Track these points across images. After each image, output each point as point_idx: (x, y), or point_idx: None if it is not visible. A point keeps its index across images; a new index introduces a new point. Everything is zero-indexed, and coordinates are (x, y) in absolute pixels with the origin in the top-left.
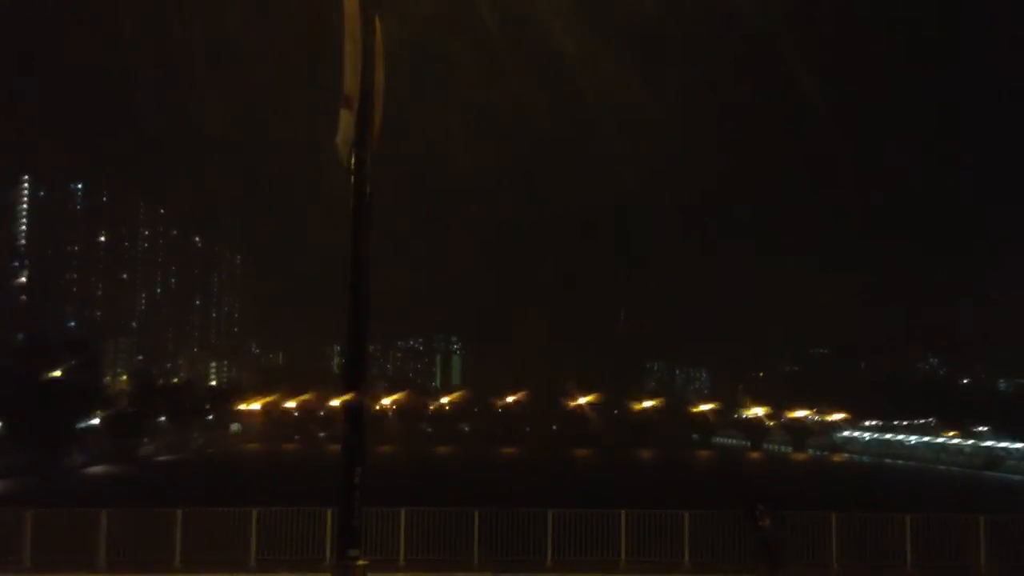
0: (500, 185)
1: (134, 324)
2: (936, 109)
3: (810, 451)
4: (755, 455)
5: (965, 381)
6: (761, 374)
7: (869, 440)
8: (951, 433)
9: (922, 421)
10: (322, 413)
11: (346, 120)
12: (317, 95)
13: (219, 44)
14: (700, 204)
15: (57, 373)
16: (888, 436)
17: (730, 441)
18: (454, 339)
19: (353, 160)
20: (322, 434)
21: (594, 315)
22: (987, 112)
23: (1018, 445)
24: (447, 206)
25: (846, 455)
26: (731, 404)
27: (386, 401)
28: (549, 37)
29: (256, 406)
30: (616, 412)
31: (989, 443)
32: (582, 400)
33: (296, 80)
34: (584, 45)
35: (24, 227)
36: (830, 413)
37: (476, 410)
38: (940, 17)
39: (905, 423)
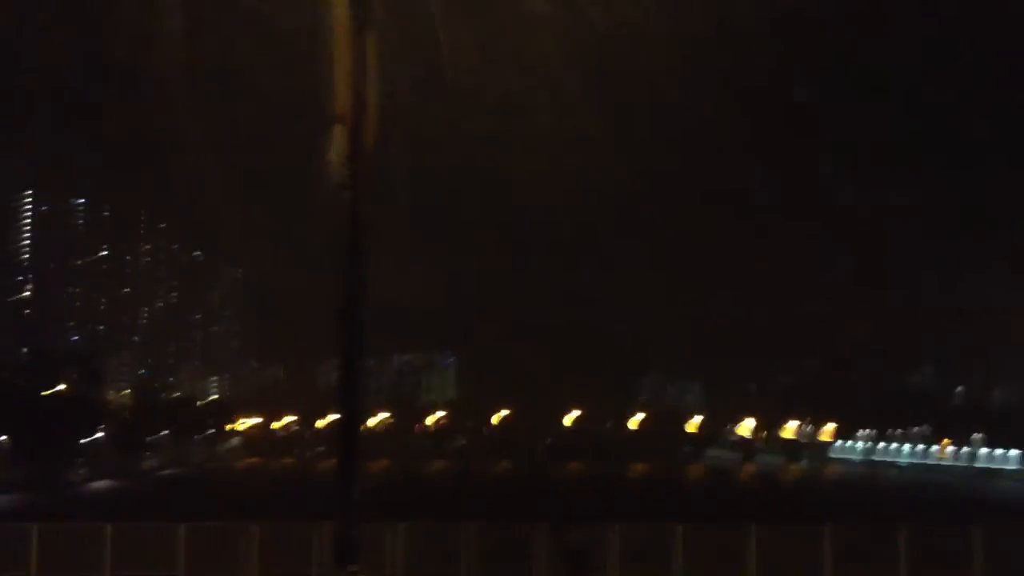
0: (497, 195)
1: (136, 339)
2: (934, 113)
3: (804, 463)
4: (748, 468)
5: (959, 390)
6: (753, 386)
7: (863, 451)
8: (945, 443)
9: (916, 430)
10: (320, 427)
11: (339, 137)
12: (317, 109)
13: (214, 54)
14: (696, 210)
15: (60, 388)
16: (882, 447)
17: (722, 455)
18: (448, 353)
19: (347, 178)
20: (320, 448)
21: (587, 328)
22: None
23: (1013, 454)
24: (441, 217)
25: (840, 467)
26: (723, 417)
27: (381, 415)
28: (549, 43)
29: (256, 420)
30: (608, 425)
31: (984, 452)
32: (574, 414)
33: (296, 93)
34: (592, 49)
35: (27, 242)
36: (823, 425)
37: (470, 424)
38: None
39: (899, 433)
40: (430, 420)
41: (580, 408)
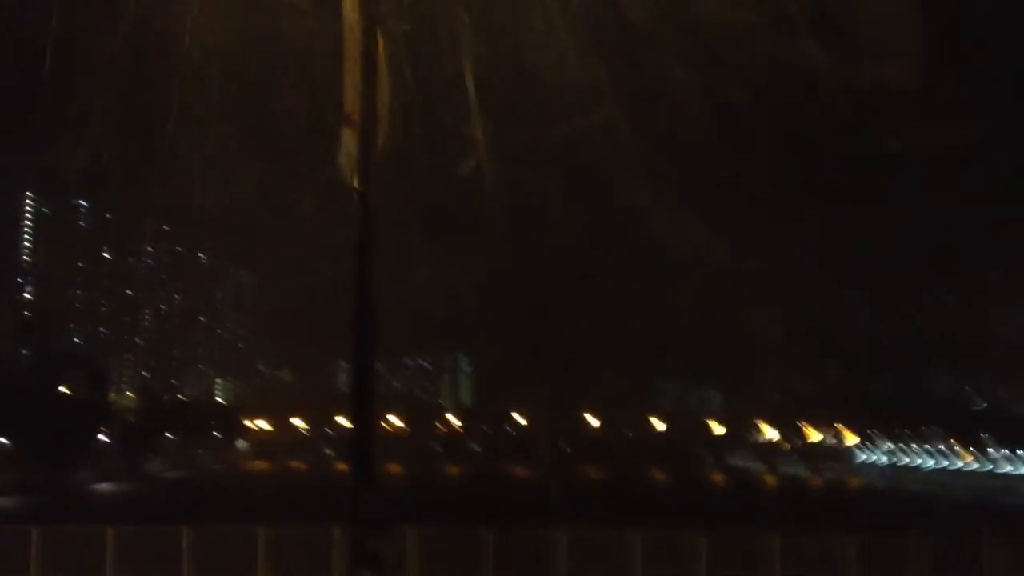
0: (506, 195)
1: (139, 341)
2: (943, 110)
3: (824, 471)
4: (768, 475)
5: (985, 406)
6: (774, 392)
7: (885, 460)
8: (967, 455)
9: (939, 442)
10: (329, 431)
11: (348, 138)
12: (324, 109)
13: (217, 52)
14: (702, 212)
15: (62, 390)
16: (905, 456)
17: (742, 461)
18: (462, 356)
19: (356, 180)
20: (329, 452)
21: (602, 331)
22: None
23: None
24: (454, 218)
25: (861, 475)
26: (743, 423)
27: (394, 419)
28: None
29: (262, 423)
30: (626, 430)
31: (1008, 466)
32: (591, 417)
33: (302, 93)
34: (601, 44)
35: (28, 243)
36: (845, 433)
37: (485, 428)
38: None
39: (922, 443)
40: (444, 423)
41: (598, 412)
